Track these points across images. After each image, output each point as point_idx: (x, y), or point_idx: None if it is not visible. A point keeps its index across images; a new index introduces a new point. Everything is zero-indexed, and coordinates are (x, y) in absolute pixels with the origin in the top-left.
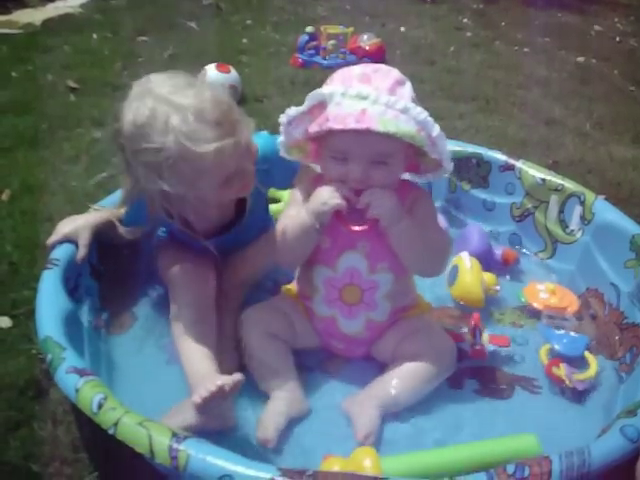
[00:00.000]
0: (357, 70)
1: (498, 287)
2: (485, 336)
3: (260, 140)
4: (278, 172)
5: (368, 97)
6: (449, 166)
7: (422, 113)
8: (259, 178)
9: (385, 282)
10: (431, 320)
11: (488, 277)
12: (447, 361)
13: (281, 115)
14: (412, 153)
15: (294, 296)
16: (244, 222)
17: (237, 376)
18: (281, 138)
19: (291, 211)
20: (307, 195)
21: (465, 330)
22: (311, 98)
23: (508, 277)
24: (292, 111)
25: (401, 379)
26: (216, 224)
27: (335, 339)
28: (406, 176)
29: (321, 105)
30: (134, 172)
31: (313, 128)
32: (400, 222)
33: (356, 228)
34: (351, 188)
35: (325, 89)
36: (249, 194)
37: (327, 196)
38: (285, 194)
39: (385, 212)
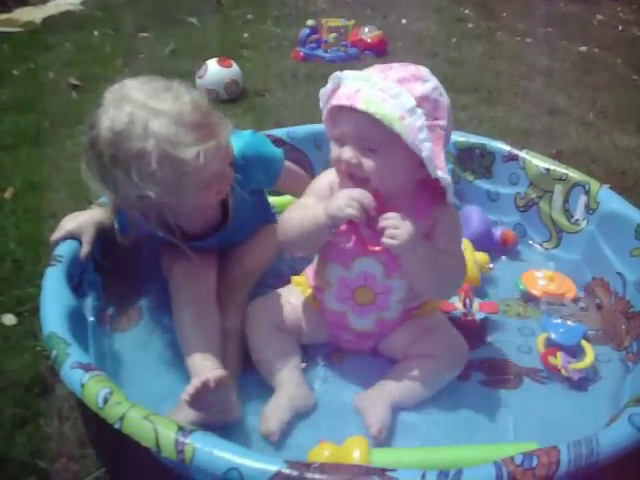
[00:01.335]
0: (388, 64)
1: (491, 265)
2: (475, 304)
3: (241, 140)
4: (259, 173)
5: (369, 80)
6: (432, 169)
7: (410, 102)
8: (242, 179)
9: (400, 287)
10: (443, 318)
11: (480, 256)
12: (458, 360)
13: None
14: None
15: (304, 287)
16: (230, 224)
17: (220, 371)
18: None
19: (306, 200)
20: (326, 188)
21: (456, 299)
22: (331, 80)
23: (504, 258)
24: (322, 91)
25: (414, 377)
26: (200, 227)
27: (344, 332)
28: None
29: (339, 86)
30: (111, 180)
31: (326, 108)
32: (413, 253)
33: (370, 247)
34: (371, 193)
35: (343, 72)
36: (230, 196)
37: (344, 203)
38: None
39: (398, 244)
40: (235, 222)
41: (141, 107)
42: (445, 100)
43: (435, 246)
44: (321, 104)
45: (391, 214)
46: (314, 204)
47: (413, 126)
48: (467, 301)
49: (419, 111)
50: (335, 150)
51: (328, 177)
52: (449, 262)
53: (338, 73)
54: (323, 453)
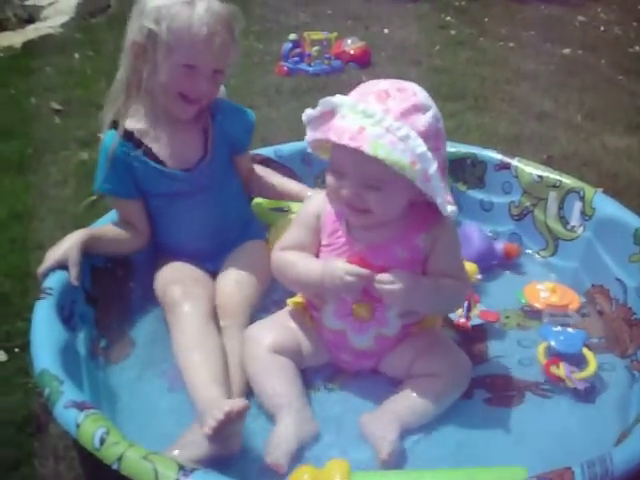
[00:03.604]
0: (380, 85)
1: (479, 276)
2: (475, 310)
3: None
4: (235, 121)
5: (372, 116)
6: (444, 209)
7: (421, 147)
8: (222, 119)
9: None
10: (444, 334)
11: (469, 266)
12: (463, 378)
13: (303, 114)
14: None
15: (301, 308)
16: (210, 161)
17: (242, 401)
18: (307, 137)
19: (297, 232)
20: (314, 217)
21: None
22: (322, 104)
23: (508, 272)
24: (309, 112)
25: (419, 397)
26: (181, 153)
27: (344, 352)
28: None
29: (331, 112)
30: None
31: (317, 135)
32: (415, 298)
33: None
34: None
35: (336, 98)
36: (211, 128)
37: (336, 292)
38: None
39: (400, 298)
40: (215, 169)
41: None
42: (442, 126)
43: (436, 266)
44: (306, 125)
45: (381, 277)
46: (313, 260)
47: (425, 172)
48: (466, 304)
49: (429, 155)
50: (332, 181)
51: (314, 205)
52: (450, 284)
53: (330, 98)
54: (303, 477)
